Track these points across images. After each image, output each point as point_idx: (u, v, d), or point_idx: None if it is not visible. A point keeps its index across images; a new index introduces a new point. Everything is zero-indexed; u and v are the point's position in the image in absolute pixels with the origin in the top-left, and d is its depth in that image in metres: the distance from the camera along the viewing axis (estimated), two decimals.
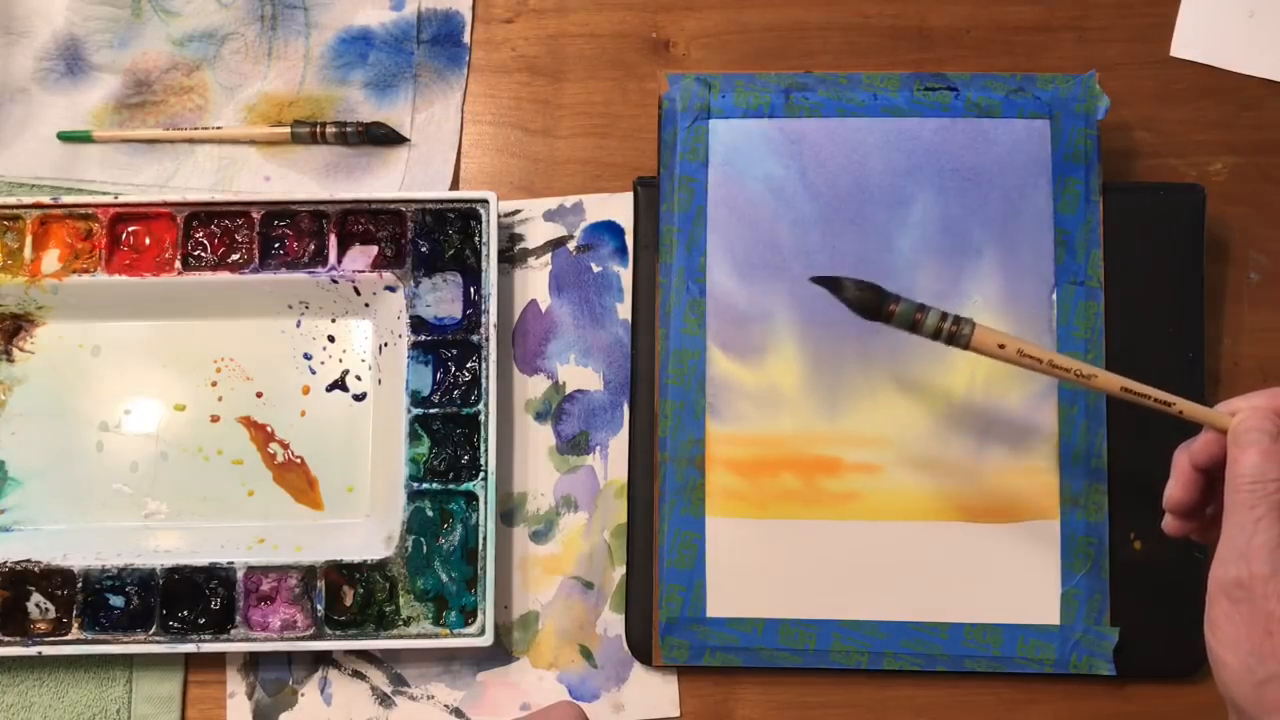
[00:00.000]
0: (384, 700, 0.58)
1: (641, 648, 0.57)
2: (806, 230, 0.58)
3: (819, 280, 0.49)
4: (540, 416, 0.60)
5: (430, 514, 0.56)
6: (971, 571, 0.56)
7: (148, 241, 0.59)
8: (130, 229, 0.59)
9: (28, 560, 0.56)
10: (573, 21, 0.64)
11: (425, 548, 0.56)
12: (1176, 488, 0.46)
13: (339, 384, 0.60)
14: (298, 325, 0.60)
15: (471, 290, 0.58)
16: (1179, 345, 0.58)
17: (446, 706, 0.58)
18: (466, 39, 0.63)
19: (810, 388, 0.57)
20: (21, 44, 0.63)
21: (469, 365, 0.58)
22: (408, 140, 0.62)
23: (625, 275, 0.61)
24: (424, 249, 0.58)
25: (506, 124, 0.63)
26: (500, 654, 0.58)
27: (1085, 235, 0.57)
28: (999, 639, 0.56)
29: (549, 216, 0.61)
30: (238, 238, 0.59)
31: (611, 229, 0.61)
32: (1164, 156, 0.62)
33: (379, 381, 0.59)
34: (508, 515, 0.59)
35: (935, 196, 0.58)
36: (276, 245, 0.59)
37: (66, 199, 0.59)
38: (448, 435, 0.57)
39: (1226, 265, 0.61)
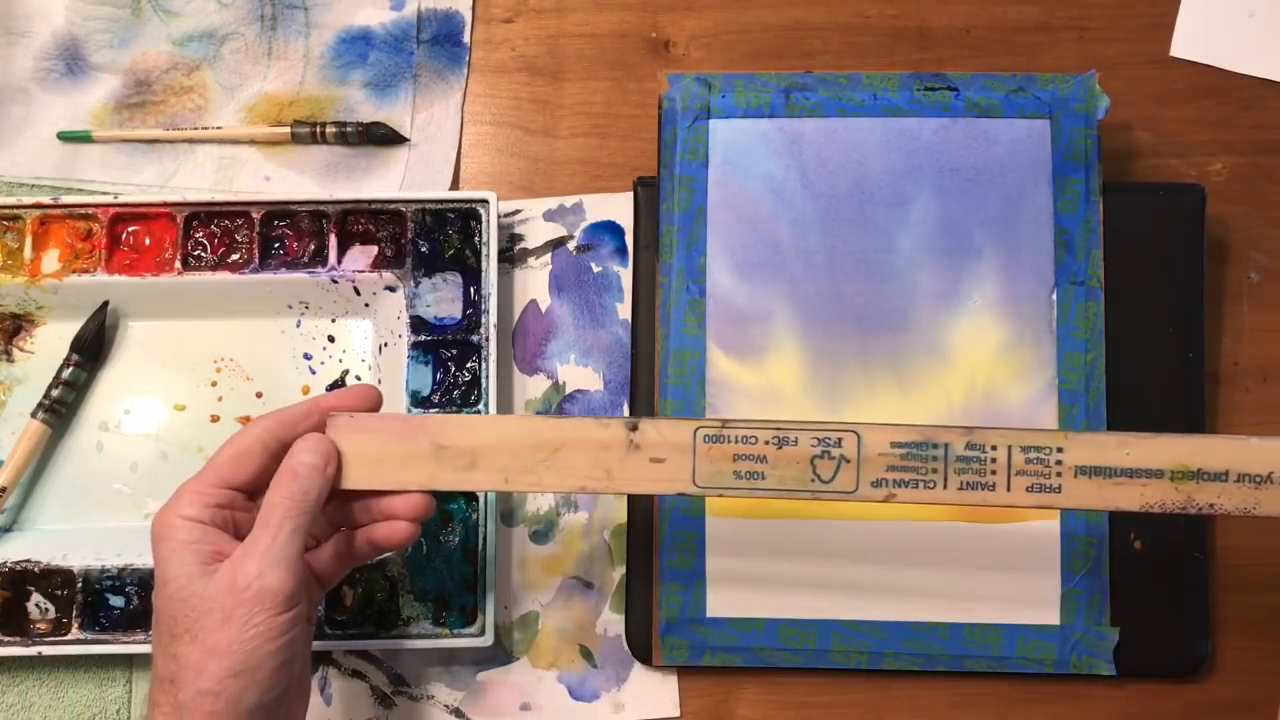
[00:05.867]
0: (384, 700, 0.58)
1: (641, 648, 0.57)
2: (806, 230, 0.58)
3: None
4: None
5: None
6: (971, 571, 0.56)
7: (148, 241, 0.59)
8: (130, 229, 0.59)
9: (28, 560, 0.56)
10: (572, 21, 0.64)
11: (425, 548, 0.56)
12: None
13: (339, 384, 0.60)
14: (298, 325, 0.60)
15: (471, 290, 0.58)
16: (1179, 345, 0.58)
17: (446, 706, 0.58)
18: (466, 39, 0.63)
19: (810, 388, 0.57)
20: (21, 44, 0.63)
21: (469, 365, 0.58)
22: (408, 140, 0.62)
23: (625, 275, 0.61)
24: (424, 249, 0.58)
25: (506, 124, 0.63)
26: (500, 654, 0.58)
27: (1085, 235, 0.57)
28: (999, 639, 0.56)
29: (549, 216, 0.61)
30: (238, 238, 0.59)
31: (611, 229, 0.61)
32: (1164, 156, 0.62)
33: (379, 381, 0.59)
34: (508, 515, 0.59)
35: (935, 196, 0.58)
36: (276, 245, 0.59)
37: (66, 199, 0.59)
38: None
39: (1226, 265, 0.61)
